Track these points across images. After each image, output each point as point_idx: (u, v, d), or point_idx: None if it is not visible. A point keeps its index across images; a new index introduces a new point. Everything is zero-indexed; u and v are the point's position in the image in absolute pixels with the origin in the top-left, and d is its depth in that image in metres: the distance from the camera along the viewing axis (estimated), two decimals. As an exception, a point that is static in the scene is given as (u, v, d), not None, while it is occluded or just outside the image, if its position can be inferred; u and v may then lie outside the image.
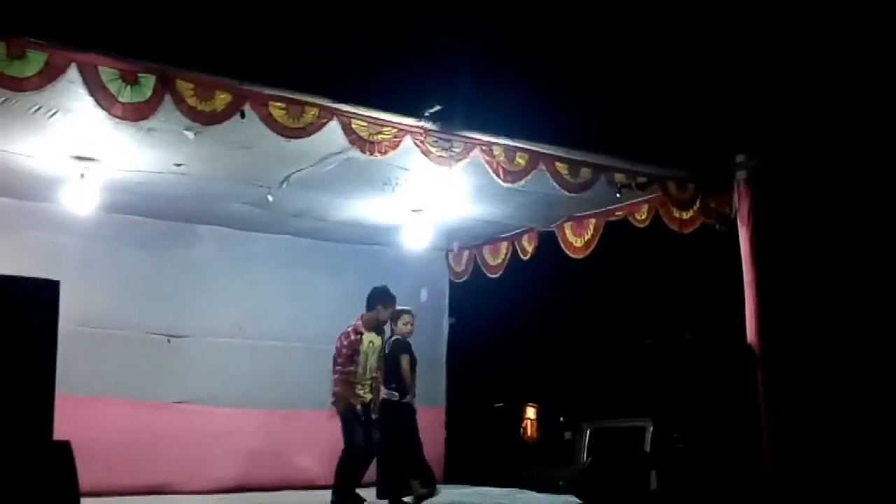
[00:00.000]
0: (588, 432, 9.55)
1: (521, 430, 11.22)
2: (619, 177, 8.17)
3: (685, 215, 8.53)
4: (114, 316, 9.23)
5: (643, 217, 8.87)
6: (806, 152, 8.46)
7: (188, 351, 9.63)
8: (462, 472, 10.45)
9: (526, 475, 10.14)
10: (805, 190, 8.35)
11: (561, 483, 9.03)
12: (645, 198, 8.68)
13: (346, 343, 7.94)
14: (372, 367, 7.95)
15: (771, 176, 8.16)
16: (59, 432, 5.39)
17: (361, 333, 7.95)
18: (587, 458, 9.16)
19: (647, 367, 8.14)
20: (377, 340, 8.03)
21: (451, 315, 11.47)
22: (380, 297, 8.06)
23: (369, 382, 7.94)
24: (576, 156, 7.88)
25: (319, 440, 9.01)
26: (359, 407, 7.87)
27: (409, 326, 8.10)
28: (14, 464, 5.10)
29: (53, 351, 5.37)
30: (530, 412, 11.26)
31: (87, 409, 8.48)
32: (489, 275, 10.85)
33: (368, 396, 7.94)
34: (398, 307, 8.12)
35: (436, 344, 10.92)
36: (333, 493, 7.82)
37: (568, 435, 9.89)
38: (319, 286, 10.26)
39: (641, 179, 8.28)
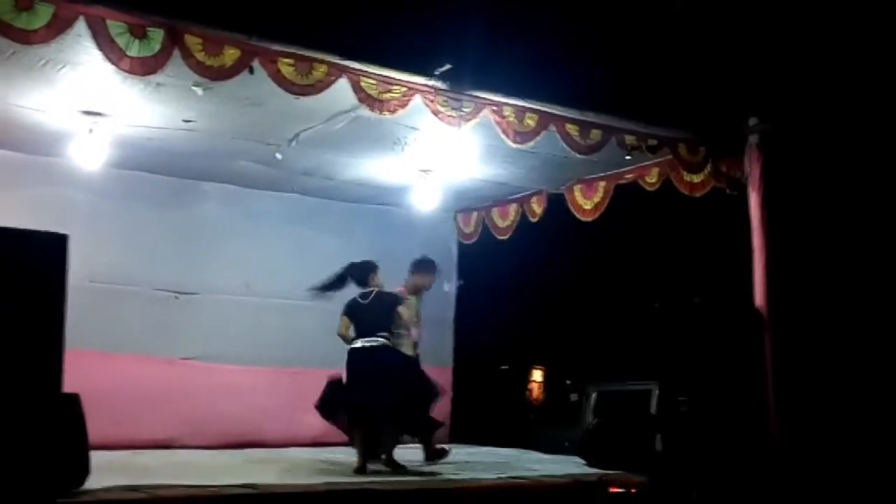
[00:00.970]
0: (594, 395, 9.61)
1: (528, 391, 11.27)
2: (629, 139, 8.08)
3: (696, 179, 8.46)
4: (122, 271, 9.24)
5: (653, 180, 8.81)
6: (819, 117, 8.40)
7: (196, 307, 9.66)
8: (468, 432, 10.50)
9: (532, 436, 10.19)
10: (817, 155, 8.30)
11: (566, 444, 9.06)
12: (655, 160, 8.60)
13: None
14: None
15: (783, 140, 8.10)
16: (68, 386, 5.43)
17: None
18: (593, 420, 9.21)
19: (654, 331, 8.14)
20: (412, 300, 8.18)
21: (459, 277, 11.47)
22: (412, 266, 8.35)
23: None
24: (586, 117, 7.80)
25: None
26: None
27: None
28: (24, 416, 5.14)
29: (62, 304, 5.40)
30: (537, 374, 11.30)
31: (95, 363, 8.52)
32: (498, 237, 10.81)
33: (409, 353, 8.02)
34: None
35: (444, 305, 10.91)
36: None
37: (574, 397, 9.93)
38: (327, 245, 10.22)
39: (652, 142, 8.18)
